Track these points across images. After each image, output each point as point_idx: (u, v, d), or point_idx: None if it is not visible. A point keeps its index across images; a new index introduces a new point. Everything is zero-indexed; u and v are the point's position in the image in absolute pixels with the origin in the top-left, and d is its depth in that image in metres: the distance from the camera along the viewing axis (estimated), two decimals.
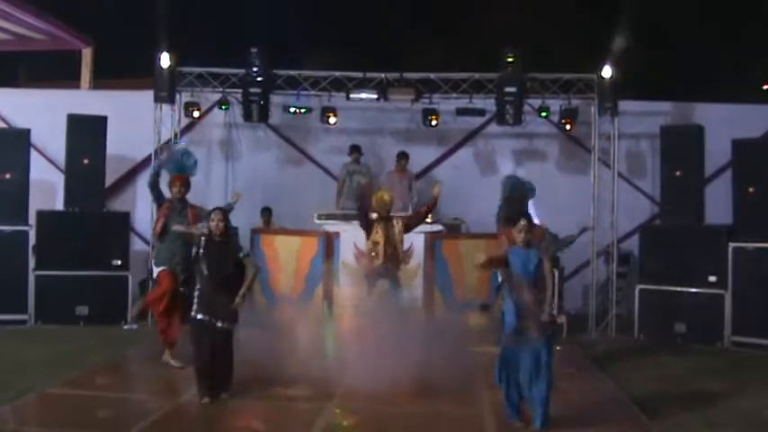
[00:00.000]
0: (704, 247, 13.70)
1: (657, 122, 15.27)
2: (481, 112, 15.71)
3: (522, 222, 8.48)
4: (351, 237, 13.74)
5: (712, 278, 13.54)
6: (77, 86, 19.05)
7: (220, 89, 15.69)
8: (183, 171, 11.06)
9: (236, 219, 15.39)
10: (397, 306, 10.90)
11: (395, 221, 11.60)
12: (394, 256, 11.48)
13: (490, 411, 8.84)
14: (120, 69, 19.41)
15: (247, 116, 15.57)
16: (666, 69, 18.81)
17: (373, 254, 11.44)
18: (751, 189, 13.61)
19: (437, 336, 10.24)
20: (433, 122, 15.69)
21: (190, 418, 8.83)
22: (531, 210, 10.59)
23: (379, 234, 11.44)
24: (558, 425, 8.56)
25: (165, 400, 9.21)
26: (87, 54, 19.10)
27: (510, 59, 14.96)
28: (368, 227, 11.56)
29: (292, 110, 15.81)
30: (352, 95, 15.46)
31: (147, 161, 15.83)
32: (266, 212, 15.73)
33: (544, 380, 8.29)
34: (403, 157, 15.91)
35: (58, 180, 15.41)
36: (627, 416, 9.02)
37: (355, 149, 15.92)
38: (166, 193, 11.06)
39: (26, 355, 11.32)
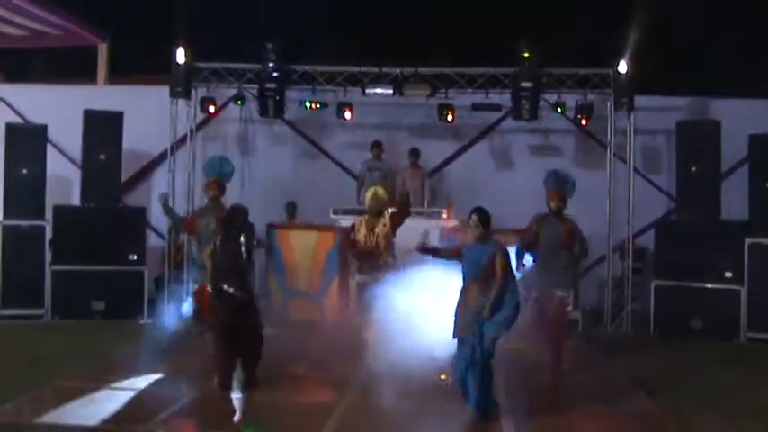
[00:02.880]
0: (720, 243, 13.70)
1: (673, 118, 15.23)
2: (497, 108, 15.69)
3: (474, 217, 8.53)
4: None
5: (728, 274, 13.55)
6: (93, 82, 19.11)
7: (236, 84, 15.74)
8: (219, 175, 11.30)
9: (251, 214, 15.56)
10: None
11: (384, 217, 10.82)
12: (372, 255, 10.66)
13: (508, 411, 8.79)
14: (135, 65, 19.44)
15: (263, 111, 15.61)
16: (682, 64, 18.71)
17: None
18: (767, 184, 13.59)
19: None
20: (449, 118, 15.65)
21: (208, 411, 8.86)
22: None
23: (361, 232, 10.76)
24: (573, 417, 8.59)
25: (181, 392, 9.25)
26: (103, 49, 19.15)
27: (526, 54, 14.96)
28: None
29: (308, 105, 15.83)
30: (367, 91, 15.47)
31: (162, 157, 15.92)
32: (290, 207, 15.63)
33: (476, 376, 8.36)
34: (413, 153, 15.93)
35: (75, 175, 15.49)
36: (642, 409, 9.02)
37: (377, 145, 15.88)
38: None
39: (43, 350, 11.39)
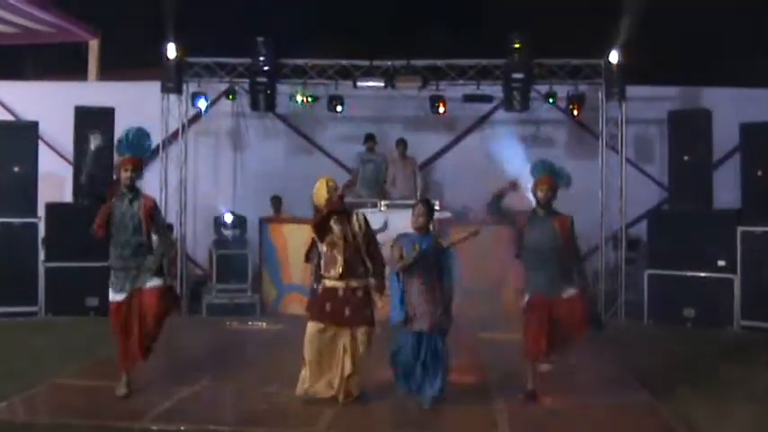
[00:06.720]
0: (713, 232, 13.70)
1: (665, 107, 15.26)
2: (488, 99, 15.74)
3: (420, 207, 8.53)
4: None
5: (721, 262, 13.55)
6: (84, 78, 19.08)
7: (227, 79, 15.73)
8: (136, 153, 9.25)
9: (244, 208, 15.59)
10: None
11: (355, 216, 8.77)
12: (354, 261, 8.60)
13: (503, 405, 8.79)
14: (126, 60, 19.41)
15: (255, 105, 15.61)
16: (673, 54, 18.72)
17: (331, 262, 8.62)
18: (759, 173, 13.60)
19: None
20: (441, 109, 15.71)
21: (201, 406, 8.86)
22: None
23: (336, 234, 8.61)
24: (567, 408, 8.62)
25: (176, 388, 9.25)
26: (94, 45, 19.12)
27: (517, 45, 15.00)
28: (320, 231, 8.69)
29: (299, 99, 15.83)
30: (359, 83, 15.48)
31: (154, 152, 15.83)
32: (276, 200, 15.70)
33: (437, 373, 8.47)
34: (400, 143, 15.93)
35: (67, 172, 15.45)
36: (636, 399, 9.04)
37: (370, 138, 15.93)
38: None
39: (37, 346, 11.39)
